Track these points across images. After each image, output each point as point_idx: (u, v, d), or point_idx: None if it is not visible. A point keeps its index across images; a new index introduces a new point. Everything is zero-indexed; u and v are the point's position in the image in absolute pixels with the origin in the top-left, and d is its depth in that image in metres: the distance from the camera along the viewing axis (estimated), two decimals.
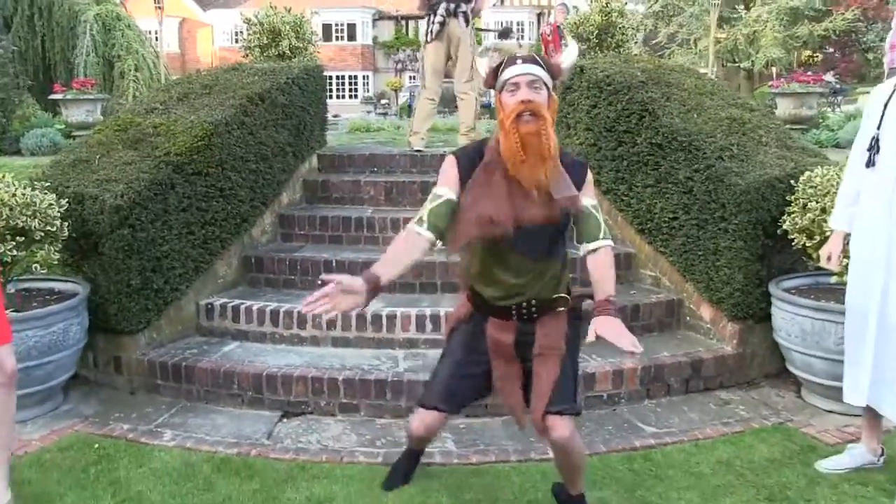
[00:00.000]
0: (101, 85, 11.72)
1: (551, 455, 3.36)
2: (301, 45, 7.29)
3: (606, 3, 7.78)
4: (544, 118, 2.60)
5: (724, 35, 27.14)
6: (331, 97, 43.34)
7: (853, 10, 26.63)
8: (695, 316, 4.89)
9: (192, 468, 3.63)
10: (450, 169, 2.79)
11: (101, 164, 4.65)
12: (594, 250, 2.79)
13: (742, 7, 28.67)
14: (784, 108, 9.15)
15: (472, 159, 2.76)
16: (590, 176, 2.84)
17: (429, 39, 6.94)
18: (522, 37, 37.83)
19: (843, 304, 3.51)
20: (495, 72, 2.72)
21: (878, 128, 3.26)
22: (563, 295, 2.88)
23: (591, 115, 5.67)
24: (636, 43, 8.31)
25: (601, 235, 2.80)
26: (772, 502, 3.26)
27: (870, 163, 3.29)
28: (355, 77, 39.32)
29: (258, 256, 5.42)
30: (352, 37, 39.90)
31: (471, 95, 7.08)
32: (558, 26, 10.47)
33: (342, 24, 39.53)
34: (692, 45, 29.61)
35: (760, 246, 4.36)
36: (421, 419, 3.05)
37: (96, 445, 3.88)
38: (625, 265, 5.36)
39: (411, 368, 4.37)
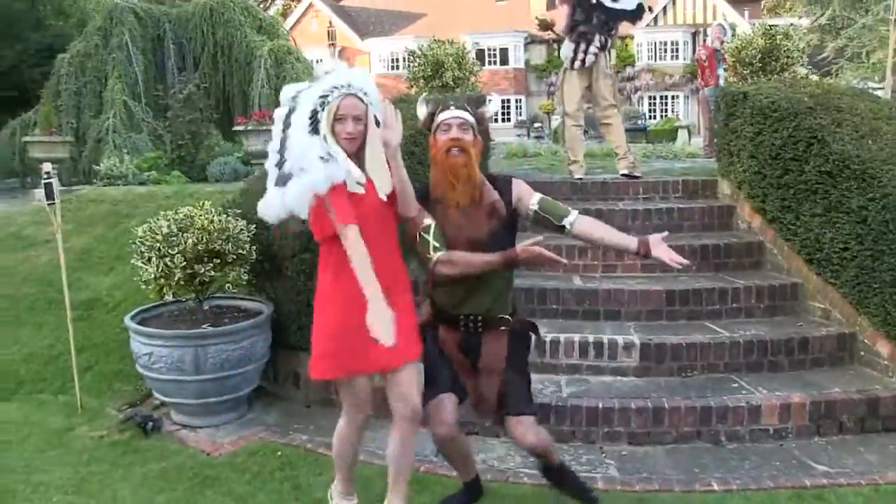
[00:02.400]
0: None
1: (715, 486, 3.41)
2: (464, 75, 7.54)
3: (770, 26, 7.60)
4: (469, 153, 3.13)
5: None
6: None
7: None
8: (870, 351, 4.71)
9: (367, 481, 3.79)
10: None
11: None
12: (573, 222, 3.20)
13: None
14: None
15: (422, 195, 3.22)
16: (518, 183, 3.32)
17: (575, 67, 6.97)
18: (677, 57, 37.11)
19: None
20: (431, 116, 3.25)
21: None
22: (506, 316, 3.31)
23: (756, 142, 5.58)
24: (802, 64, 8.06)
25: (569, 210, 3.25)
26: None
27: None
28: (508, 101, 39.61)
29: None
30: (504, 61, 40.28)
31: (616, 119, 7.10)
32: (715, 50, 10.24)
33: (494, 49, 39.98)
34: (864, 58, 28.05)
35: None
36: (439, 413, 3.19)
37: (279, 453, 4.21)
38: (791, 296, 5.25)
39: (575, 394, 4.45)
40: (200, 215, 4.68)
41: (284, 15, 42.69)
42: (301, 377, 4.91)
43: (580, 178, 6.88)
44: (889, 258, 4.42)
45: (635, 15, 6.90)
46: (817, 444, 4.18)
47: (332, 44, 21.71)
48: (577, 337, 4.77)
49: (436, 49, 7.71)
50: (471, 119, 3.20)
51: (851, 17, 28.22)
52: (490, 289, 3.24)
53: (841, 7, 28.17)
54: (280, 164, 3.05)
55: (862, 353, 4.78)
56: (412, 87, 7.94)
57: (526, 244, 3.02)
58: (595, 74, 6.97)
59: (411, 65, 7.86)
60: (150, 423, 4.59)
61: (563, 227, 3.20)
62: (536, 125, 33.17)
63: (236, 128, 10.33)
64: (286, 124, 3.07)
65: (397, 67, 41.36)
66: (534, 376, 4.66)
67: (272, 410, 4.86)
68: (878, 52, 27.32)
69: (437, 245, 3.13)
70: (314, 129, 2.99)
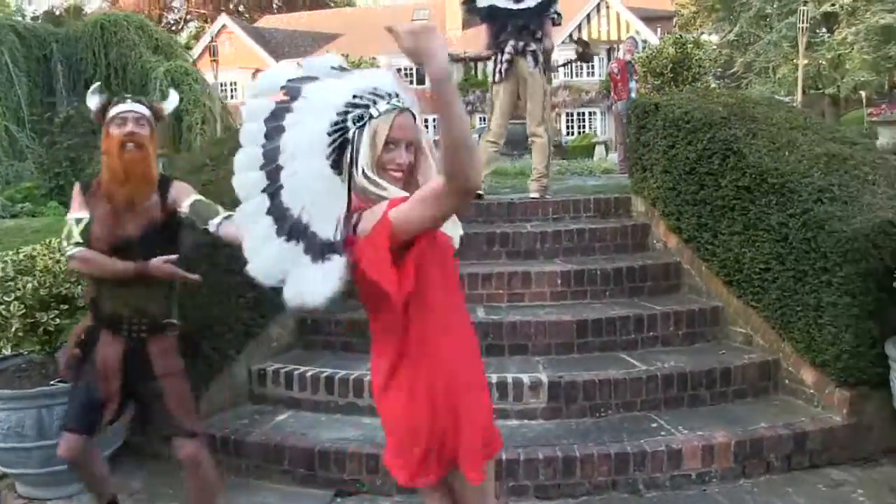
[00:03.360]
0: (170, 139, 11.82)
1: None
2: None
3: (681, 36, 7.34)
4: (147, 150, 3.15)
5: (807, 61, 26.21)
6: None
7: None
8: (794, 379, 4.34)
9: None
10: (77, 195, 3.24)
11: None
12: (218, 224, 3.14)
13: (824, 31, 27.70)
14: (888, 137, 8.47)
15: (88, 186, 3.24)
16: (178, 184, 3.30)
17: (496, 80, 6.62)
18: (593, 73, 37.55)
19: None
20: (104, 108, 3.18)
21: None
22: (173, 320, 3.30)
23: (669, 156, 5.23)
24: (713, 75, 7.86)
25: (220, 211, 3.16)
26: None
27: None
28: (427, 120, 39.39)
29: (314, 318, 5.10)
30: (420, 81, 40.12)
31: (543, 138, 6.70)
32: (627, 62, 10.08)
33: (411, 69, 39.84)
34: (770, 73, 28.74)
35: (873, 300, 3.81)
36: (65, 441, 3.18)
37: None
38: (711, 321, 4.87)
39: None
40: (44, 255, 4.07)
41: (197, 37, 41.76)
42: None
43: (479, 195, 6.44)
44: (812, 279, 4.07)
45: (540, 12, 6.49)
46: (743, 486, 3.76)
47: (215, 60, 21.27)
48: None
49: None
50: (147, 113, 3.20)
51: (758, 33, 29.02)
52: (153, 292, 3.21)
53: (748, 24, 28.92)
54: (274, 195, 2.13)
55: (786, 381, 4.41)
56: None
57: (158, 260, 3.06)
58: (521, 83, 6.56)
59: None
60: None
61: (208, 229, 3.16)
62: None
63: None
64: (275, 128, 2.14)
65: None
66: None
67: (138, 472, 4.23)
68: (783, 68, 28.10)
69: (81, 241, 3.10)
70: (337, 154, 2.11)
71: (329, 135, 2.08)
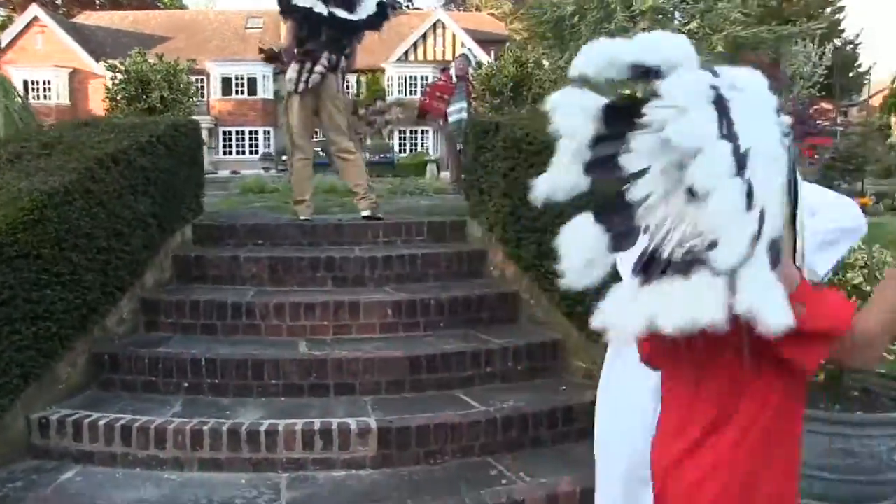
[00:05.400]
0: None
1: None
2: (175, 96, 6.34)
3: (521, 54, 7.18)
4: None
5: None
6: (229, 153, 42.24)
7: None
8: None
9: None
10: None
11: None
12: None
13: None
14: None
15: None
16: None
17: (298, 89, 6.08)
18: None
19: (824, 409, 2.79)
20: None
21: None
22: None
23: (509, 178, 4.97)
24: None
25: None
26: None
27: None
28: (256, 132, 38.32)
29: (112, 353, 4.44)
30: (252, 91, 38.99)
31: (357, 154, 6.29)
32: (461, 77, 9.94)
33: (242, 78, 38.58)
34: None
35: None
36: None
37: None
38: (552, 355, 4.62)
39: (297, 499, 3.47)
40: None
41: (3, 27, 38.58)
42: None
43: (307, 220, 5.96)
44: None
45: (377, 22, 6.09)
46: None
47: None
48: (300, 423, 3.77)
49: (141, 64, 6.44)
50: None
51: None
52: None
53: (577, 51, 29.91)
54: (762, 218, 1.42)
55: None
56: (112, 109, 6.60)
57: None
58: (323, 98, 6.09)
59: (112, 82, 6.53)
60: None
61: None
62: (284, 158, 32.17)
63: None
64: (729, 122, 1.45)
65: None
66: (246, 476, 3.71)
67: None
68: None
69: None
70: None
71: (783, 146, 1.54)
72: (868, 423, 3.27)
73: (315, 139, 6.49)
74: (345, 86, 6.17)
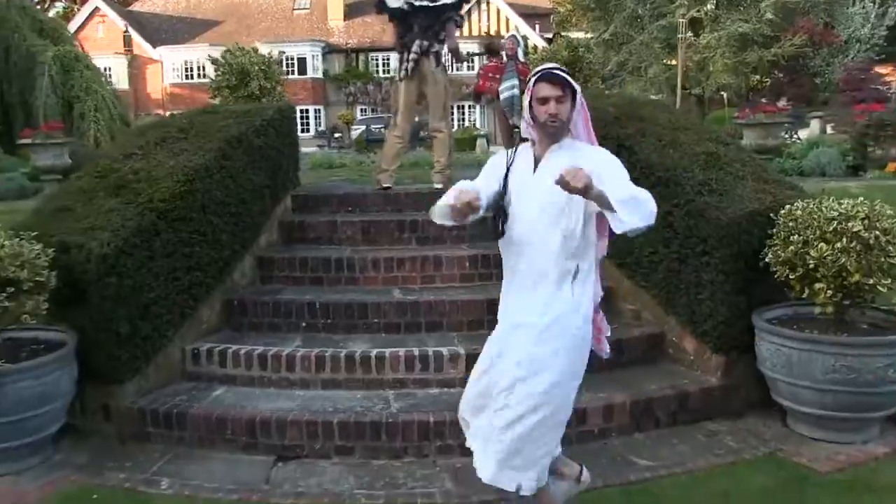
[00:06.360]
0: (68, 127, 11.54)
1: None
2: (270, 84, 7.30)
3: (573, 40, 7.97)
4: None
5: (675, 62, 27.84)
6: None
7: (801, 36, 27.48)
8: (678, 348, 4.99)
9: None
10: None
11: (84, 211, 4.60)
12: None
13: (691, 34, 29.41)
14: (750, 138, 9.36)
15: None
16: None
17: (401, 77, 7.00)
18: (473, 67, 38.31)
19: (829, 335, 3.60)
20: None
21: None
22: None
23: None
24: (601, 76, 8.52)
25: None
26: None
27: None
28: (307, 111, 39.29)
29: (241, 300, 5.40)
30: (302, 70, 39.91)
31: (445, 133, 7.16)
32: (509, 59, 10.64)
33: (292, 58, 39.55)
34: (642, 72, 30.24)
35: (742, 278, 4.47)
36: None
37: (95, 496, 3.86)
38: (603, 300, 5.42)
39: (404, 409, 4.38)
40: None
41: (67, 19, 40.03)
42: (112, 409, 4.53)
43: (388, 187, 6.85)
44: (693, 260, 4.70)
45: (457, 5, 6.91)
46: (637, 439, 4.36)
47: (129, 50, 20.30)
48: (402, 351, 4.71)
49: (241, 58, 7.42)
50: None
51: (631, 33, 30.39)
52: None
53: (622, 24, 30.25)
54: None
55: (670, 350, 5.05)
56: (216, 96, 7.59)
57: None
58: (422, 83, 6.96)
59: (215, 74, 7.51)
60: None
61: None
62: (336, 135, 33.07)
63: (22, 141, 9.45)
64: None
65: (192, 77, 39.92)
66: (360, 392, 4.65)
67: (82, 449, 4.42)
68: (654, 68, 29.63)
69: None
70: None
71: None
72: (866, 345, 4.08)
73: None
74: (441, 69, 6.95)
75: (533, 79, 3.07)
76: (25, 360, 4.13)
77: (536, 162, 3.13)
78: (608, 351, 3.51)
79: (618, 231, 2.88)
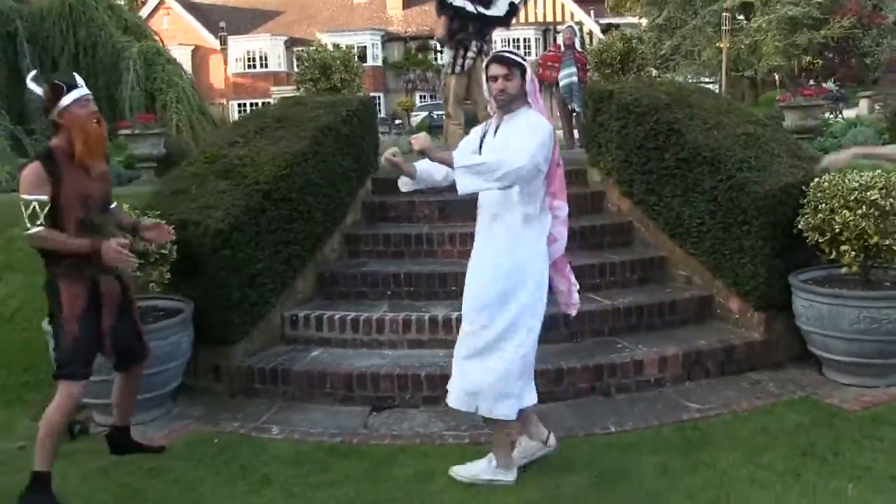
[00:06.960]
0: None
1: (612, 429, 4.02)
2: (350, 77, 7.98)
3: (626, 33, 8.49)
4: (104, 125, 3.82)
5: (728, 45, 27.91)
6: None
7: (849, 18, 27.39)
8: (724, 308, 5.53)
9: (305, 455, 4.19)
10: (37, 175, 3.60)
11: (198, 192, 5.27)
12: None
13: (742, 17, 29.40)
14: (791, 119, 9.76)
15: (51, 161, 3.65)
16: None
17: (455, 71, 7.53)
18: (529, 53, 38.60)
19: (854, 290, 4.11)
20: (58, 94, 3.64)
21: None
22: None
23: (622, 135, 6.32)
24: (653, 65, 8.95)
25: None
26: (804, 456, 3.88)
27: None
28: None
29: (331, 272, 6.06)
30: (362, 58, 40.49)
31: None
32: (566, 48, 11.11)
33: (353, 47, 39.99)
34: (696, 56, 30.30)
35: (779, 244, 5.00)
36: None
37: (215, 440, 4.44)
38: (658, 267, 6.02)
39: None
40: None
41: (131, 11, 41.25)
42: (223, 369, 5.18)
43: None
44: (735, 229, 5.23)
45: (507, 20, 7.51)
46: (689, 387, 4.91)
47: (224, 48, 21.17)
48: None
49: (323, 53, 8.12)
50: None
51: (684, 17, 30.44)
52: None
53: (675, 9, 30.34)
54: None
55: (718, 310, 5.60)
56: (299, 88, 8.32)
57: (112, 243, 3.59)
58: (473, 78, 7.53)
59: (298, 67, 8.24)
60: (77, 426, 4.58)
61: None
62: (397, 122, 33.66)
63: (122, 132, 10.29)
64: None
65: (254, 66, 40.88)
66: (441, 352, 5.12)
67: (196, 404, 5.02)
68: (707, 51, 29.67)
69: (44, 223, 3.55)
70: None
71: None
72: (885, 297, 4.64)
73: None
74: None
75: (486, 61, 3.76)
76: (152, 324, 4.73)
77: (497, 129, 3.77)
78: (577, 302, 4.21)
79: (459, 191, 3.59)
